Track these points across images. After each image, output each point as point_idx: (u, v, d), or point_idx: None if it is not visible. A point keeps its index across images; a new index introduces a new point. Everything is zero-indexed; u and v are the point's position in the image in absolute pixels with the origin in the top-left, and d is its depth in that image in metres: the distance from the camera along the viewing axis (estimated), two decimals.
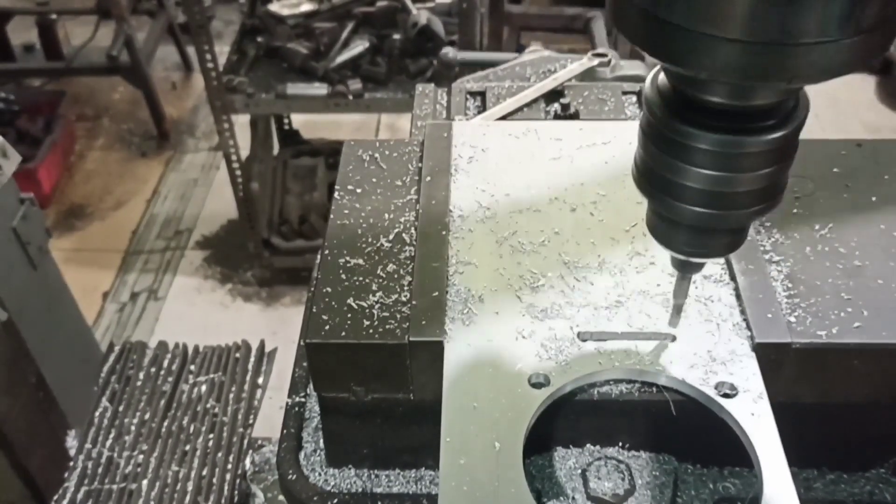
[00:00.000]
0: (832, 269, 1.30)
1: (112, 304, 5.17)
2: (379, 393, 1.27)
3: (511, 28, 5.17)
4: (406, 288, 1.29)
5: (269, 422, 2.15)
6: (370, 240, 1.38)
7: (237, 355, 2.29)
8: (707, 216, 0.95)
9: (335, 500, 1.34)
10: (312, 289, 1.38)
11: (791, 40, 0.73)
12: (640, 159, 0.99)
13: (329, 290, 1.29)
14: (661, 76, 0.93)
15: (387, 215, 1.43)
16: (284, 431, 1.42)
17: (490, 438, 1.11)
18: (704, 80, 0.84)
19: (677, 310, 1.20)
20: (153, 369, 2.26)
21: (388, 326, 1.23)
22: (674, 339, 1.22)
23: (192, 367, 2.27)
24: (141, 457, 2.05)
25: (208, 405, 2.16)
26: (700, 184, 0.92)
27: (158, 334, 4.89)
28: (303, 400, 1.47)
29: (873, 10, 0.73)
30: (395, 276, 1.32)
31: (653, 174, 0.97)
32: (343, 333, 1.22)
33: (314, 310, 1.26)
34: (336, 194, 1.48)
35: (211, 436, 2.08)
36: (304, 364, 1.49)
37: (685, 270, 1.12)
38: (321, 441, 1.39)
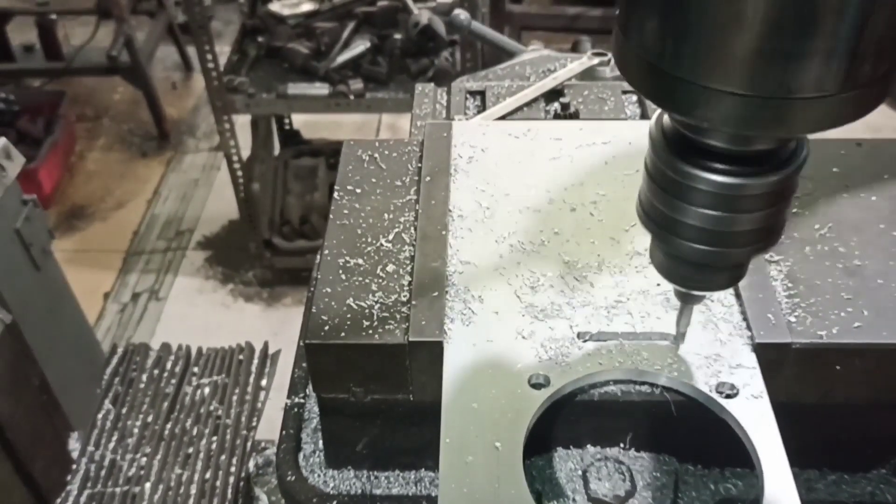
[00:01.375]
0: (832, 268, 1.30)
1: (113, 305, 5.17)
2: (378, 394, 1.27)
3: (512, 27, 5.18)
4: (406, 288, 1.29)
5: (272, 424, 2.15)
6: (370, 240, 1.38)
7: (240, 357, 2.29)
8: (707, 253, 0.97)
9: (334, 502, 1.33)
10: (312, 289, 1.38)
11: (791, 95, 0.75)
12: (644, 197, 1.00)
13: (328, 290, 1.29)
14: (666, 117, 0.94)
15: (386, 215, 1.43)
16: (283, 432, 1.42)
17: (490, 439, 1.11)
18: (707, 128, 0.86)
19: (681, 337, 1.21)
20: (156, 371, 2.26)
21: (387, 327, 1.23)
22: (676, 339, 1.22)
23: (195, 370, 2.27)
24: (144, 459, 2.05)
25: (211, 407, 2.16)
26: (700, 222, 0.94)
27: (160, 335, 4.89)
28: (302, 401, 1.46)
29: (869, 68, 0.75)
30: (395, 276, 1.31)
31: (655, 211, 0.98)
32: (342, 334, 1.22)
33: (314, 310, 1.26)
34: (336, 194, 1.48)
35: (214, 438, 2.08)
36: (304, 364, 1.49)
37: (686, 301, 1.14)
38: (320, 442, 1.39)
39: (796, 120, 0.78)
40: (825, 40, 0.71)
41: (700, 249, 0.96)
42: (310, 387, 1.45)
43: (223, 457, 2.03)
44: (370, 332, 1.22)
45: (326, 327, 1.22)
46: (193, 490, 1.97)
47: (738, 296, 1.27)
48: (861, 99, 0.77)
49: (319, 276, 1.32)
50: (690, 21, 0.75)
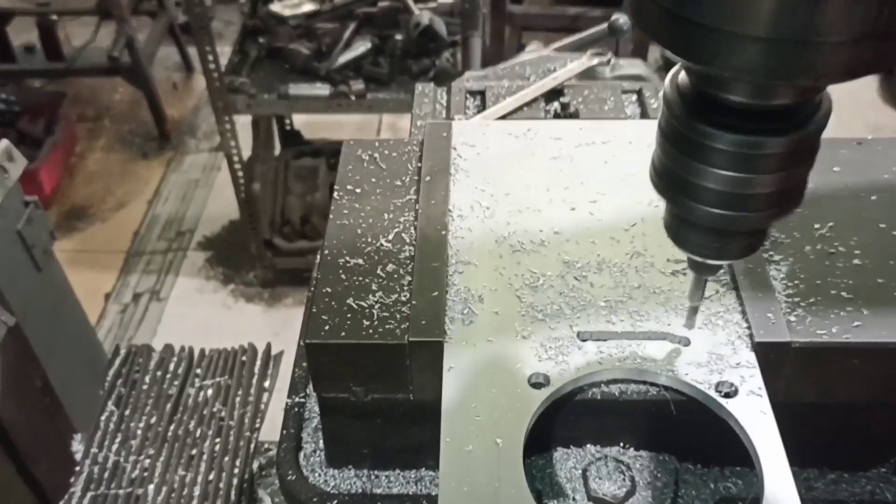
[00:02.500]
0: (832, 268, 1.30)
1: (114, 306, 5.17)
2: (379, 393, 1.27)
3: (513, 28, 5.17)
4: (406, 288, 1.29)
5: (275, 425, 2.14)
6: (370, 240, 1.38)
7: (243, 358, 2.29)
8: (725, 218, 0.94)
9: (335, 501, 1.33)
10: (312, 289, 1.38)
11: (819, 38, 0.72)
12: (658, 159, 0.98)
13: (329, 290, 1.29)
14: (682, 74, 0.92)
15: (386, 215, 1.43)
16: (284, 432, 1.42)
17: (490, 438, 1.11)
18: (728, 79, 0.84)
19: (693, 311, 1.20)
20: (159, 373, 2.26)
21: (387, 326, 1.23)
22: (687, 342, 1.22)
23: (198, 371, 2.27)
24: (147, 461, 2.04)
25: (215, 409, 2.15)
26: (718, 185, 0.91)
27: (161, 335, 4.89)
28: (302, 400, 1.46)
29: None
30: (395, 275, 1.31)
31: (670, 174, 0.96)
32: (343, 333, 1.22)
33: (314, 310, 1.26)
34: (335, 194, 1.48)
35: (217, 440, 2.08)
36: (304, 364, 1.49)
37: (701, 272, 1.11)
38: (321, 441, 1.39)
39: (822, 66, 0.75)
40: None
41: (717, 214, 0.94)
42: (310, 386, 1.45)
43: (227, 458, 2.03)
44: (370, 331, 1.22)
45: (327, 327, 1.23)
46: (197, 492, 1.97)
47: (737, 294, 1.27)
48: (892, 44, 0.74)
49: (319, 276, 1.32)
50: None
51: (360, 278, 1.31)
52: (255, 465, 2.05)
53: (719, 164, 0.90)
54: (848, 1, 0.70)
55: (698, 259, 1.06)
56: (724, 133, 0.87)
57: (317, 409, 1.42)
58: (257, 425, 2.13)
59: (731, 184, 0.91)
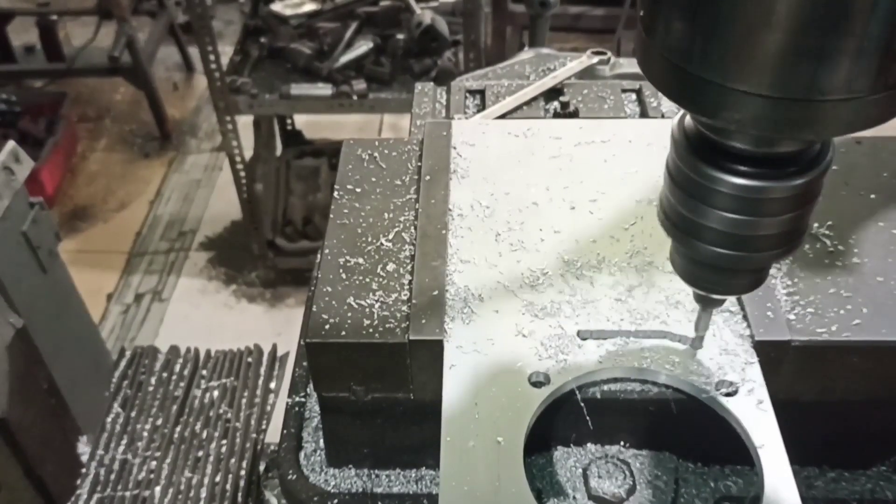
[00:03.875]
0: (831, 266, 1.30)
1: (116, 306, 5.17)
2: (379, 392, 1.27)
3: (514, 27, 5.18)
4: (406, 287, 1.29)
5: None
6: (370, 239, 1.38)
7: (249, 360, 2.29)
8: (729, 257, 0.96)
9: (335, 501, 1.34)
10: (312, 288, 1.38)
11: (820, 97, 0.74)
12: (665, 199, 0.99)
13: (329, 289, 1.29)
14: (688, 118, 0.93)
15: (386, 214, 1.43)
16: (284, 431, 1.43)
17: (490, 437, 1.11)
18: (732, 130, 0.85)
19: (699, 340, 1.20)
20: (164, 374, 2.26)
21: (388, 325, 1.23)
22: (687, 341, 1.22)
23: (204, 372, 2.27)
24: (154, 463, 2.04)
25: (221, 410, 2.15)
26: (723, 226, 0.93)
27: (163, 336, 4.89)
28: (303, 400, 1.47)
29: None
30: (395, 275, 1.32)
31: (676, 214, 0.97)
32: (343, 333, 1.22)
33: (314, 309, 1.26)
34: (336, 194, 1.48)
35: (224, 441, 2.07)
36: (304, 364, 1.49)
37: (706, 305, 1.13)
38: (321, 441, 1.39)
39: (825, 122, 0.76)
40: (856, 40, 0.70)
41: (722, 253, 0.95)
42: (310, 386, 1.45)
43: (233, 460, 2.03)
44: (371, 330, 1.22)
45: (327, 326, 1.23)
46: (203, 493, 1.96)
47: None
48: (892, 100, 0.76)
49: (320, 276, 1.32)
50: (718, 21, 0.74)
51: (361, 277, 1.31)
52: (262, 467, 2.05)
53: (724, 206, 0.91)
54: (849, 62, 0.72)
55: (704, 294, 1.08)
56: (729, 177, 0.89)
57: (317, 408, 1.43)
58: (263, 427, 2.13)
59: (735, 226, 0.92)
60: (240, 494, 1.96)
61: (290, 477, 1.36)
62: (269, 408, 2.19)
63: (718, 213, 0.92)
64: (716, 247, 0.95)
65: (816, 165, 0.89)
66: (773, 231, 0.93)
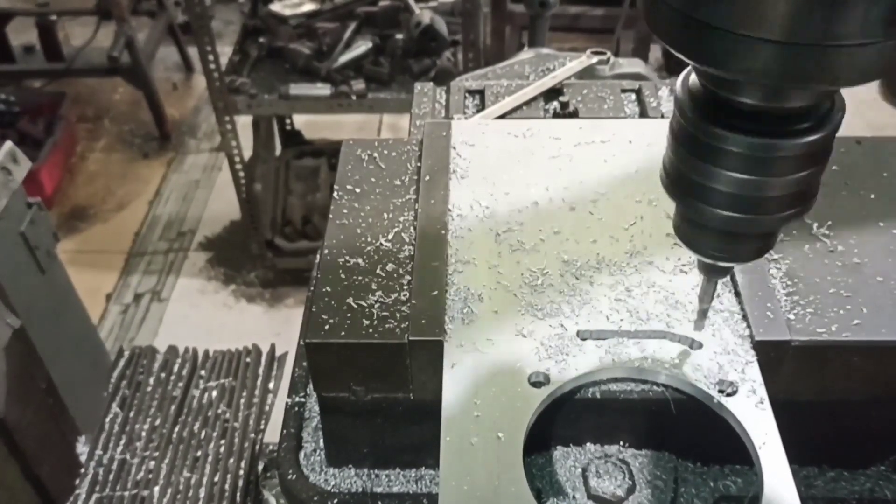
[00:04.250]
0: (831, 266, 1.30)
1: (115, 306, 5.17)
2: (379, 392, 1.27)
3: (513, 27, 5.18)
4: (405, 287, 1.29)
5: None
6: (369, 239, 1.38)
7: (248, 360, 2.29)
8: (736, 220, 0.94)
9: (335, 500, 1.34)
10: (312, 288, 1.38)
11: (835, 42, 0.72)
12: (669, 162, 0.97)
13: (328, 289, 1.29)
14: (693, 77, 0.91)
15: (386, 215, 1.43)
16: (284, 431, 1.43)
17: (490, 437, 1.11)
18: (741, 82, 0.83)
19: (702, 314, 1.19)
20: (163, 374, 2.26)
21: (387, 326, 1.23)
22: (687, 340, 1.22)
23: (203, 372, 2.27)
24: (152, 463, 2.04)
25: (219, 410, 2.15)
26: (730, 188, 0.91)
27: (162, 336, 4.89)
28: (302, 400, 1.47)
29: None
30: (395, 275, 1.32)
31: (682, 177, 0.95)
32: (343, 333, 1.22)
33: (314, 309, 1.26)
34: (335, 194, 1.48)
35: (222, 442, 2.07)
36: (304, 364, 1.49)
37: (711, 274, 1.10)
38: (321, 441, 1.39)
39: (840, 70, 0.74)
40: None
41: (728, 216, 0.93)
42: (310, 386, 1.45)
43: (231, 460, 2.02)
44: (370, 331, 1.22)
45: (326, 326, 1.23)
46: (202, 493, 1.96)
47: (737, 293, 1.27)
48: None
49: (319, 276, 1.32)
50: None
51: (360, 278, 1.31)
52: (261, 467, 2.05)
53: (731, 166, 0.89)
54: (864, 5, 0.70)
55: (709, 262, 1.05)
56: (737, 136, 0.87)
57: (317, 408, 1.43)
58: (262, 427, 2.13)
59: (743, 186, 0.90)
60: (238, 494, 1.96)
61: (289, 477, 1.36)
62: (267, 408, 2.19)
63: (726, 173, 0.89)
64: (723, 209, 0.93)
65: (826, 123, 0.87)
66: (781, 192, 0.91)
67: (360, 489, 1.35)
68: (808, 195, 0.94)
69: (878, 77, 0.76)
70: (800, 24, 0.71)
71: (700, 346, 1.21)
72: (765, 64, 0.75)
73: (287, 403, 1.47)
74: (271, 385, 2.25)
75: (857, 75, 0.75)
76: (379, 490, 1.35)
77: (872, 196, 1.43)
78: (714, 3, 0.75)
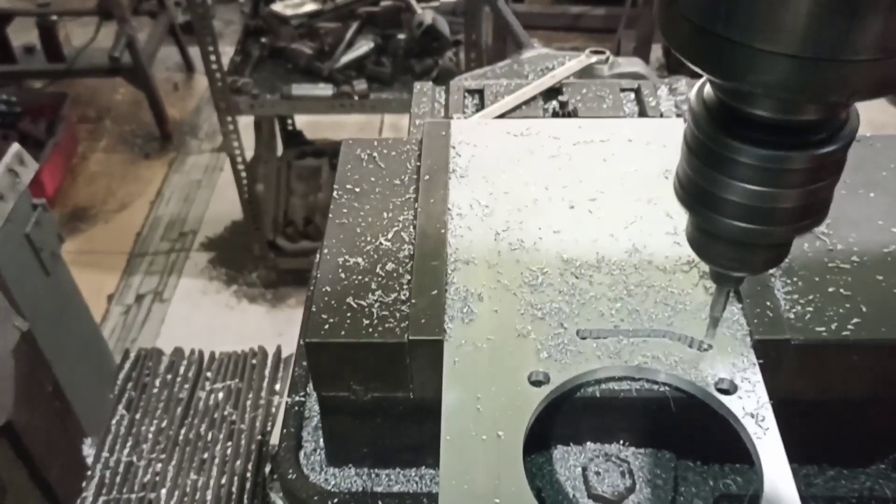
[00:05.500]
0: (831, 265, 1.30)
1: (117, 307, 5.18)
2: (378, 392, 1.27)
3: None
4: (405, 287, 1.29)
5: None
6: (369, 239, 1.38)
7: (253, 361, 2.29)
8: (749, 231, 0.93)
9: (335, 500, 1.34)
10: (312, 288, 1.38)
11: (851, 57, 0.72)
12: (683, 172, 0.97)
13: (328, 289, 1.29)
14: (707, 88, 0.91)
15: (385, 214, 1.43)
16: (284, 431, 1.42)
17: (490, 437, 1.11)
18: (756, 94, 0.83)
19: (714, 322, 1.18)
20: (169, 376, 2.26)
21: (387, 325, 1.23)
22: (686, 339, 1.22)
23: (209, 374, 2.27)
24: (159, 465, 2.04)
25: (226, 412, 2.15)
26: (744, 199, 0.90)
27: (164, 337, 4.90)
28: (302, 399, 1.47)
29: None
30: (395, 274, 1.32)
31: (695, 187, 0.95)
32: (342, 332, 1.22)
33: (313, 309, 1.26)
34: (335, 193, 1.48)
35: (229, 444, 2.07)
36: (304, 363, 1.49)
37: (723, 284, 1.10)
38: (321, 440, 1.39)
39: (852, 84, 0.75)
40: None
41: (741, 227, 0.93)
42: (310, 385, 1.45)
43: (238, 462, 2.02)
44: (370, 330, 1.22)
45: (326, 326, 1.23)
46: (209, 496, 1.96)
47: (736, 292, 1.27)
48: None
49: (319, 275, 1.32)
50: None
51: (360, 277, 1.31)
52: (267, 469, 2.05)
53: (745, 178, 0.89)
54: (881, 20, 0.70)
55: (721, 271, 1.06)
56: (751, 147, 0.86)
57: (317, 407, 1.42)
58: (269, 428, 2.13)
59: (757, 198, 0.90)
60: (245, 496, 1.96)
61: (290, 476, 1.36)
62: (273, 409, 2.19)
63: (739, 184, 0.89)
64: (736, 220, 0.93)
65: (839, 135, 0.87)
66: (794, 203, 0.91)
67: (361, 489, 1.35)
68: (821, 206, 0.94)
69: (891, 93, 0.77)
70: (816, 38, 0.72)
71: (700, 344, 1.21)
72: (781, 78, 0.75)
73: (287, 403, 1.47)
74: (277, 387, 2.25)
75: (872, 90, 0.76)
76: (379, 489, 1.35)
77: (872, 195, 1.43)
78: (731, 16, 0.75)
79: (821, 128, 0.87)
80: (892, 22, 0.70)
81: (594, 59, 2.03)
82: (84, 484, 2.04)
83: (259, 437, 2.09)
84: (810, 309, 1.23)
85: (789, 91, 0.77)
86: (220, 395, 2.20)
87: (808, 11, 0.71)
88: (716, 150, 0.89)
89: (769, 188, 0.89)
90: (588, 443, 1.29)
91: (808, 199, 0.91)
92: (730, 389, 1.16)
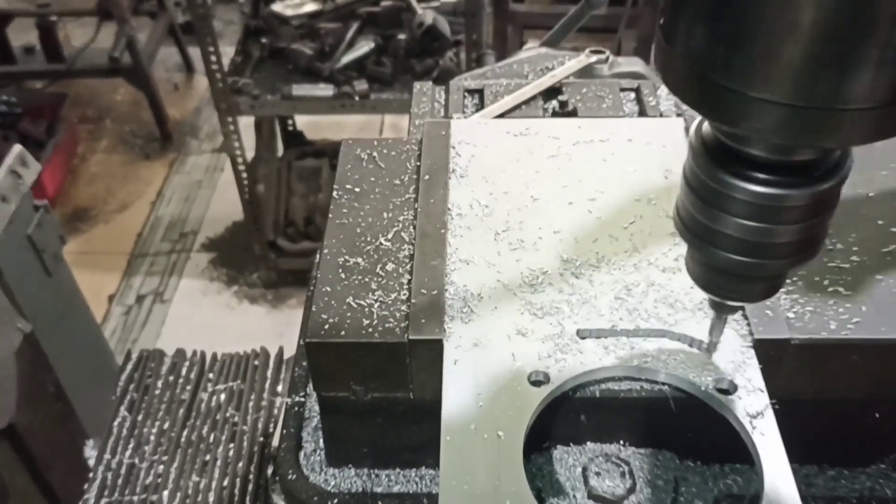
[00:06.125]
0: (830, 264, 1.30)
1: (118, 308, 5.18)
2: (378, 392, 1.27)
3: (515, 27, 5.18)
4: (405, 286, 1.29)
5: None
6: (369, 239, 1.38)
7: (255, 362, 2.29)
8: (745, 265, 0.95)
9: (335, 500, 1.34)
10: (312, 288, 1.38)
11: (843, 106, 0.74)
12: (682, 205, 0.99)
13: (328, 289, 1.29)
14: (706, 124, 0.93)
15: (385, 214, 1.43)
16: (284, 431, 1.42)
17: (490, 437, 1.11)
18: (752, 136, 0.85)
19: (713, 346, 1.20)
20: (171, 378, 2.26)
21: (387, 325, 1.23)
22: (686, 339, 1.22)
23: (211, 376, 2.27)
24: (161, 467, 2.04)
25: (228, 414, 2.15)
26: (740, 234, 0.92)
27: (165, 337, 4.90)
28: (302, 399, 1.47)
29: None
30: (395, 274, 1.32)
31: (693, 221, 0.96)
32: (342, 332, 1.22)
33: (313, 309, 1.26)
34: (335, 193, 1.48)
35: (231, 445, 2.07)
36: (304, 363, 1.49)
37: (721, 311, 1.12)
38: (321, 440, 1.39)
39: (846, 131, 0.77)
40: (880, 49, 0.70)
41: (738, 260, 0.95)
42: (310, 385, 1.45)
43: (240, 464, 2.02)
44: (370, 330, 1.22)
45: (326, 326, 1.23)
46: (211, 497, 1.96)
47: None
48: None
49: (319, 276, 1.32)
50: (741, 29, 0.73)
51: (360, 277, 1.31)
52: (270, 471, 2.05)
53: (741, 213, 0.90)
54: (873, 71, 0.72)
55: (719, 300, 1.07)
56: (747, 185, 0.88)
57: (317, 408, 1.42)
58: (271, 430, 2.13)
59: (753, 233, 0.91)
60: (248, 498, 1.96)
61: (289, 477, 1.36)
62: (276, 411, 2.19)
63: (735, 220, 0.91)
64: (732, 254, 0.94)
65: (835, 173, 0.89)
66: (791, 239, 0.92)
67: (360, 489, 1.35)
68: (815, 241, 0.96)
69: (884, 138, 0.79)
70: (809, 88, 0.73)
71: (700, 344, 1.21)
72: (775, 123, 0.77)
73: (286, 403, 1.47)
74: (279, 388, 2.25)
75: (864, 137, 0.78)
76: (379, 490, 1.35)
77: (871, 194, 1.43)
78: (727, 65, 0.76)
79: (818, 166, 0.88)
80: (882, 74, 0.72)
81: (594, 58, 2.02)
82: (86, 486, 2.04)
83: (261, 438, 2.09)
84: (810, 308, 1.23)
85: (783, 137, 0.79)
86: (223, 396, 2.20)
87: (800, 62, 0.72)
88: (712, 185, 0.91)
89: (766, 224, 0.90)
90: (588, 443, 1.28)
91: (805, 235, 0.93)
92: (730, 389, 1.16)
